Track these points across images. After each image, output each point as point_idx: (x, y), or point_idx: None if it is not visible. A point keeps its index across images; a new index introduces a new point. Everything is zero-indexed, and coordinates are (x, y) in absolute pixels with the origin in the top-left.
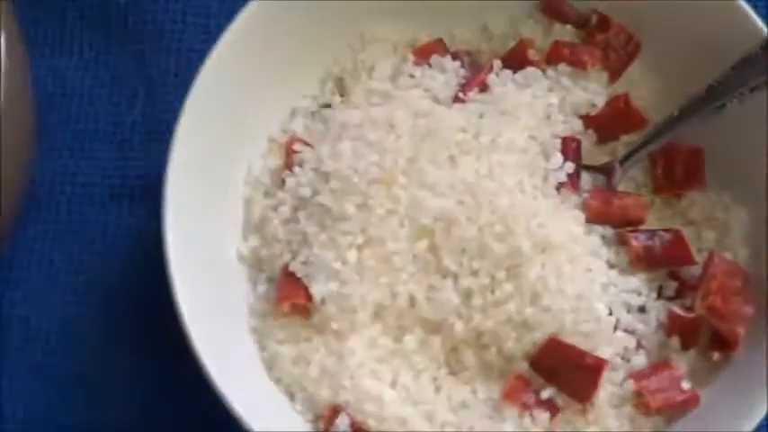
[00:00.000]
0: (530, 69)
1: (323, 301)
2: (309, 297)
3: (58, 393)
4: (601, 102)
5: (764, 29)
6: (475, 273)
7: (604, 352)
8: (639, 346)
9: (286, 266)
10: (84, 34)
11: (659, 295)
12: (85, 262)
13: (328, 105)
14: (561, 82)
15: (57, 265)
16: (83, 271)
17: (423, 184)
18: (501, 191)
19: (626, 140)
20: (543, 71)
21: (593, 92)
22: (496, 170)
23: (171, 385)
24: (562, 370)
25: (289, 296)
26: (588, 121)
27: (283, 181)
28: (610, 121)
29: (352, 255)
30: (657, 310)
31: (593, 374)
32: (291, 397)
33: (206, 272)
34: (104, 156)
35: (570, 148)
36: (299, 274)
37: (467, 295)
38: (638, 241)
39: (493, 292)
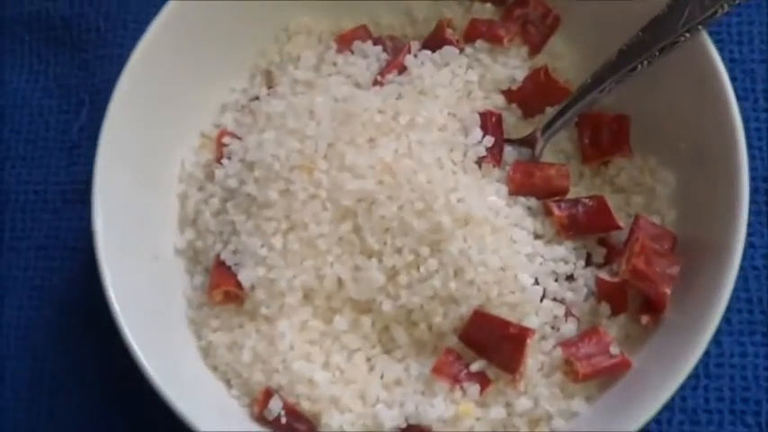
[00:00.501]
0: (447, 48)
1: (252, 288)
2: (240, 284)
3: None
4: (522, 76)
5: None
6: (399, 251)
7: (531, 321)
8: (569, 314)
9: (218, 256)
10: (33, 47)
11: (588, 263)
12: (39, 267)
13: (257, 98)
14: (480, 59)
15: (13, 272)
16: (37, 276)
17: (343, 167)
18: (420, 168)
19: (551, 113)
20: (461, 49)
21: (513, 67)
22: (415, 149)
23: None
24: (489, 342)
25: (219, 284)
26: (510, 95)
27: (214, 174)
28: (532, 95)
29: (277, 240)
30: (586, 277)
31: (518, 344)
32: (228, 383)
33: (142, 268)
34: (55, 163)
35: (489, 122)
36: (228, 263)
37: (392, 273)
38: (561, 210)
39: (417, 268)
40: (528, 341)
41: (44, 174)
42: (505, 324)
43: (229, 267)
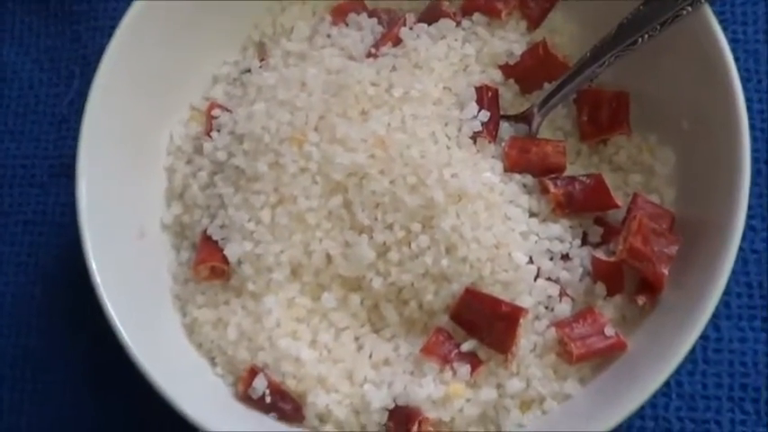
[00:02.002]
0: (443, 21)
1: (239, 263)
2: (226, 259)
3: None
4: (520, 51)
5: None
6: (390, 226)
7: (524, 301)
8: (564, 294)
9: (204, 231)
10: (24, 19)
11: (584, 242)
12: (26, 243)
13: (249, 70)
14: (477, 32)
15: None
16: (24, 252)
17: (334, 139)
18: (413, 143)
19: (549, 88)
20: (458, 23)
21: (510, 41)
22: (409, 122)
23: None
24: (481, 321)
25: (205, 259)
26: (508, 70)
27: (203, 147)
28: (530, 70)
29: (265, 214)
30: (582, 256)
31: (511, 323)
32: (212, 361)
33: (127, 243)
34: (44, 137)
35: (486, 96)
36: (215, 238)
37: (383, 250)
38: (557, 187)
39: (409, 245)
40: (521, 320)
41: (33, 148)
42: (498, 302)
43: (216, 242)
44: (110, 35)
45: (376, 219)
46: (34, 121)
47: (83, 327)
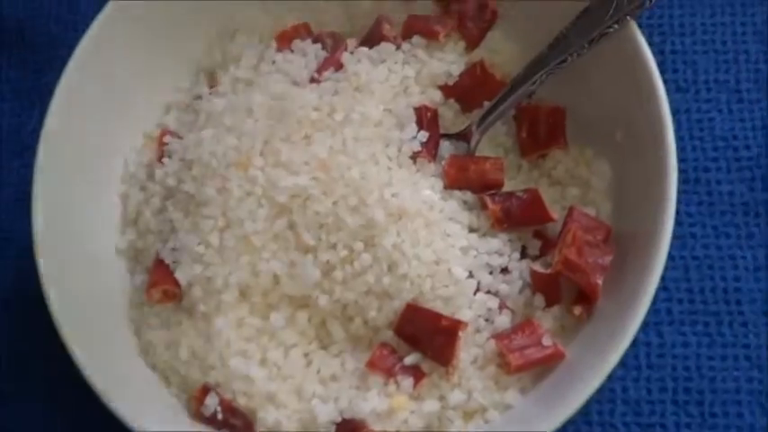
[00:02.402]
0: (383, 45)
1: (189, 286)
2: (177, 283)
3: None
4: (458, 71)
5: None
6: (333, 246)
7: (465, 314)
8: (504, 306)
9: (157, 255)
10: None
11: (524, 255)
12: None
13: (200, 97)
14: (416, 54)
15: None
16: None
17: (278, 163)
18: (354, 164)
19: (488, 106)
20: (398, 46)
21: (449, 62)
22: (350, 144)
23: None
24: (422, 335)
25: (158, 282)
26: (448, 90)
27: (155, 173)
28: (470, 90)
29: (213, 238)
30: (521, 269)
31: (450, 336)
32: (167, 381)
33: (83, 268)
34: (7, 165)
35: (425, 117)
36: (167, 261)
37: (328, 269)
38: (495, 203)
39: (352, 263)
40: (460, 333)
41: None
42: (437, 317)
43: (168, 266)
44: None
45: (320, 239)
46: None
47: (40, 350)
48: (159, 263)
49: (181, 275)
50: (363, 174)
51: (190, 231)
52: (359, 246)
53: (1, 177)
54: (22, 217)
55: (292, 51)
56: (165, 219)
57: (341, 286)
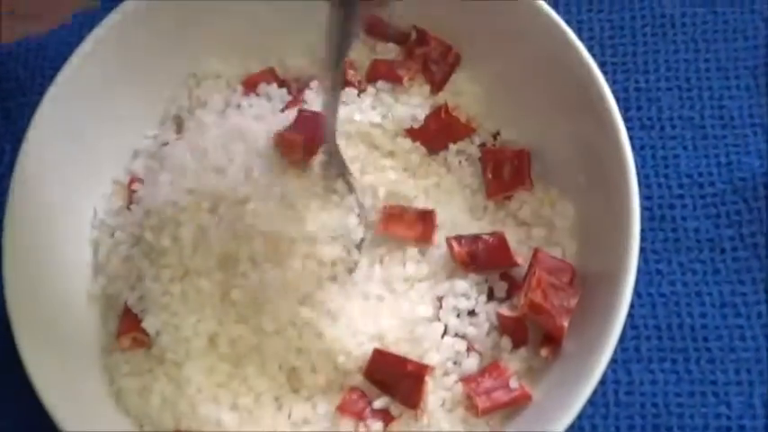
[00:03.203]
0: (348, 90)
1: (158, 333)
2: (146, 330)
3: None
4: (423, 114)
5: (566, 29)
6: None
7: (432, 358)
8: (471, 349)
9: (126, 302)
10: None
11: (490, 297)
12: None
13: (167, 143)
14: (382, 98)
15: None
16: None
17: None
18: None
19: (456, 148)
20: (363, 90)
21: (414, 105)
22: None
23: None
24: (391, 379)
25: (127, 330)
26: (414, 134)
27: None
28: (435, 133)
29: (175, 287)
30: (488, 312)
31: (417, 380)
32: (140, 427)
33: (55, 315)
34: None
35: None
36: (135, 309)
37: (282, 327)
38: (461, 246)
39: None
40: (426, 377)
41: None
42: (403, 362)
43: (136, 314)
44: None
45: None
46: None
47: (11, 396)
48: (128, 310)
49: (148, 324)
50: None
51: (154, 280)
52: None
53: None
54: None
55: (258, 95)
56: (132, 266)
57: (302, 340)
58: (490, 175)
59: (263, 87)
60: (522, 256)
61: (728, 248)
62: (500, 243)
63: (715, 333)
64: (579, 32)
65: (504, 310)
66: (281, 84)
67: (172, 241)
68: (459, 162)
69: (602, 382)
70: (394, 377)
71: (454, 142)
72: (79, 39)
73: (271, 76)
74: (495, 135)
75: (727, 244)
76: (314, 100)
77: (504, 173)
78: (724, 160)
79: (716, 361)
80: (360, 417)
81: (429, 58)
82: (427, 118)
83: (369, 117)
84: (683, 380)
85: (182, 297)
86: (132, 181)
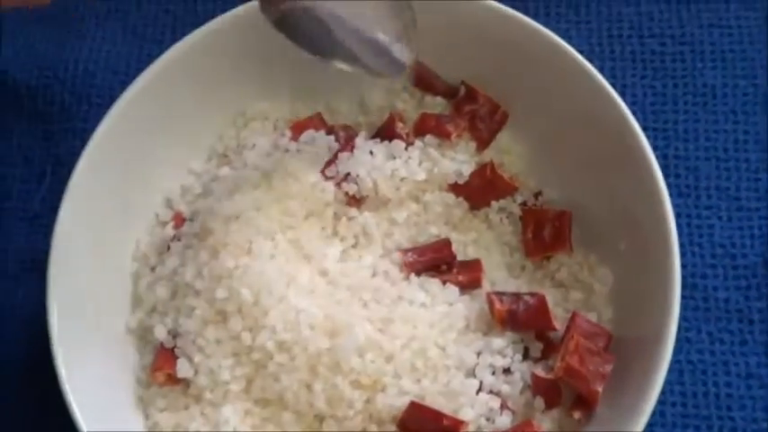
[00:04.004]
0: (395, 142)
1: (195, 373)
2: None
3: None
4: (469, 171)
5: (614, 94)
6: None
7: (467, 413)
8: (505, 406)
9: (162, 339)
10: None
11: (525, 356)
12: None
13: (214, 180)
14: (429, 153)
15: None
16: None
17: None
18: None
19: (497, 206)
20: (410, 143)
21: (460, 161)
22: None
23: None
24: (425, 431)
25: (162, 366)
26: (458, 189)
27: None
28: (479, 189)
29: (210, 331)
30: (522, 371)
31: None
32: None
33: (94, 345)
34: (16, 231)
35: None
36: (171, 346)
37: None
38: (502, 304)
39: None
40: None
41: (5, 242)
42: (439, 416)
43: (172, 350)
44: (81, 137)
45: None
46: (6, 216)
47: (46, 424)
48: (164, 347)
49: (181, 367)
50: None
51: (190, 319)
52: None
53: (9, 243)
54: (28, 284)
55: (305, 142)
56: (169, 304)
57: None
58: (530, 235)
59: (310, 133)
60: (557, 318)
61: (757, 320)
62: (540, 305)
63: (739, 403)
64: (622, 97)
65: (540, 371)
66: (330, 131)
67: (207, 285)
68: (501, 219)
69: None
70: (429, 430)
71: (497, 200)
72: (126, 68)
73: (319, 122)
74: (537, 194)
75: (756, 315)
76: (363, 150)
77: (545, 233)
78: (757, 233)
79: (737, 430)
80: None
81: (477, 116)
82: (473, 174)
83: (415, 173)
84: None
85: (216, 340)
86: (176, 217)
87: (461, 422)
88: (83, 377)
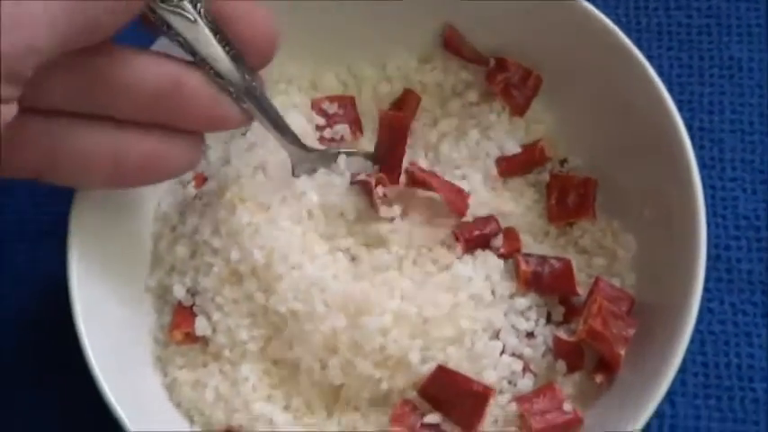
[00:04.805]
0: None
1: (214, 332)
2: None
3: None
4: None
5: (646, 64)
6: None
7: (489, 375)
8: (527, 369)
9: (181, 298)
10: None
11: (548, 320)
12: (14, 297)
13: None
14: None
15: None
16: (8, 306)
17: None
18: None
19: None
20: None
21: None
22: None
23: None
24: (449, 398)
25: (179, 325)
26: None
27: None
28: (520, 164)
29: (228, 290)
30: (545, 335)
31: (480, 402)
32: (191, 420)
33: (113, 305)
34: (38, 192)
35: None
36: (189, 305)
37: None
38: (528, 266)
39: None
40: (491, 400)
41: (27, 204)
42: (468, 381)
43: (191, 309)
44: None
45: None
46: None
47: (64, 381)
48: (182, 305)
49: (200, 325)
50: None
51: (208, 278)
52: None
53: (30, 206)
54: (47, 247)
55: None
56: (188, 263)
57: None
58: (554, 201)
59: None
60: (580, 284)
61: None
62: (566, 269)
63: (761, 374)
64: None
65: (562, 334)
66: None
67: (225, 244)
68: (528, 186)
69: None
70: (455, 395)
71: (530, 171)
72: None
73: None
74: (563, 162)
75: None
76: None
77: (569, 200)
78: None
79: (759, 401)
80: (412, 430)
81: (510, 83)
82: (521, 153)
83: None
84: (727, 418)
85: (233, 300)
86: (197, 177)
87: (491, 389)
88: (102, 336)
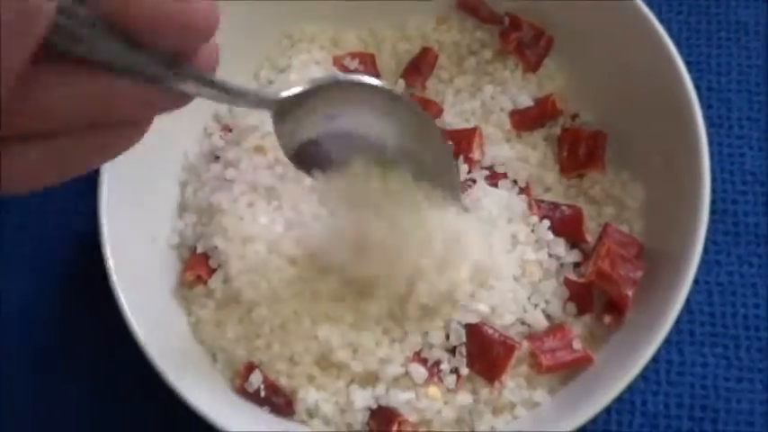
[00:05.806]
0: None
1: (233, 278)
2: (209, 272)
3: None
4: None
5: (657, 25)
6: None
7: (505, 317)
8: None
9: (200, 245)
10: None
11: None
12: (45, 247)
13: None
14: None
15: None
16: (40, 255)
17: None
18: None
19: (543, 130)
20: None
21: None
22: None
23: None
24: (474, 350)
25: (192, 267)
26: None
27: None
28: (532, 118)
29: (249, 248)
30: (558, 279)
31: (506, 353)
32: (214, 357)
33: (142, 249)
34: None
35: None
36: (203, 251)
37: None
38: (539, 210)
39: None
40: (514, 354)
41: None
42: (494, 335)
43: (207, 256)
44: None
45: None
46: None
47: (97, 324)
48: (199, 253)
49: (219, 276)
50: None
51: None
52: None
53: None
54: (78, 197)
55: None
56: (212, 210)
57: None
58: (565, 153)
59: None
60: (590, 232)
61: None
62: (576, 215)
63: (766, 323)
64: None
65: (573, 276)
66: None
67: (247, 204)
68: (541, 140)
69: (656, 360)
70: (481, 349)
71: (543, 125)
72: None
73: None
74: (574, 117)
75: None
76: None
77: (580, 152)
78: None
79: (764, 350)
80: (436, 364)
81: (522, 42)
82: (534, 106)
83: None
84: (733, 365)
85: (255, 254)
86: (224, 128)
87: (515, 343)
88: (130, 278)
